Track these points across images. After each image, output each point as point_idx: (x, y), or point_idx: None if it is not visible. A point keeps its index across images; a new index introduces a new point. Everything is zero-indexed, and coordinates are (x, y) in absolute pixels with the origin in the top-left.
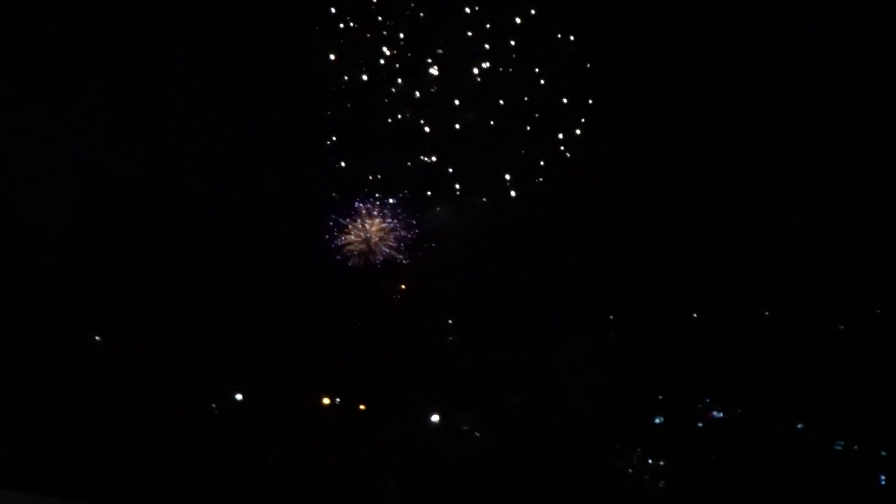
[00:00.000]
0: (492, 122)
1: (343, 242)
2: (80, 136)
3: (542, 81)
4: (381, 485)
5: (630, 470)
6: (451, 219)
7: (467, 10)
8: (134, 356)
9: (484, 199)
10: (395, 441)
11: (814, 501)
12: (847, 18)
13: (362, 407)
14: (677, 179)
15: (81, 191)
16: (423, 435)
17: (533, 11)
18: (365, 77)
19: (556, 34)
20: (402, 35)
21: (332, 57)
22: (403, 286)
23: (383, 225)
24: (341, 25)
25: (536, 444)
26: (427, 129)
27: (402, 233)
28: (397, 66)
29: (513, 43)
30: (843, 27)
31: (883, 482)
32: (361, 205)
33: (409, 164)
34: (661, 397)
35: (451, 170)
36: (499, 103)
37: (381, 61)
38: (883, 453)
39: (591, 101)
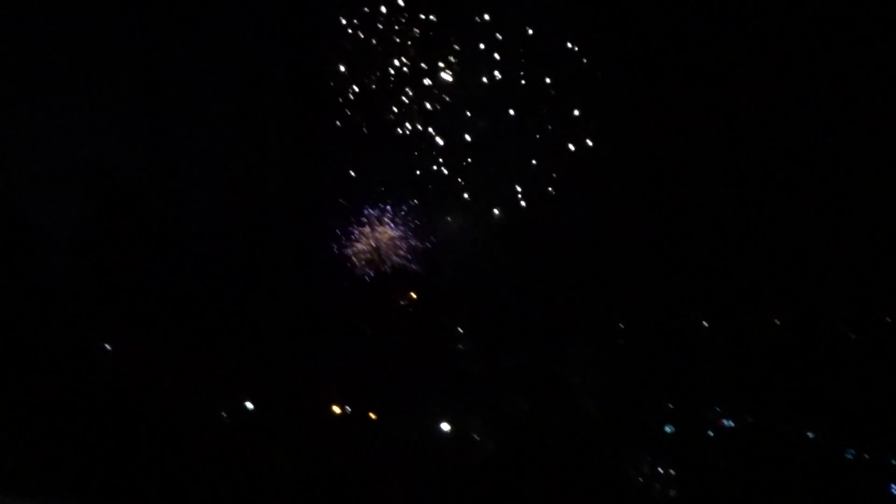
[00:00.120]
0: (503, 131)
1: (353, 250)
2: (86, 139)
3: (554, 91)
4: (391, 492)
5: (640, 479)
6: (461, 227)
7: (478, 19)
8: (142, 363)
9: (494, 208)
10: (405, 448)
11: None
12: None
13: (372, 415)
14: (689, 186)
15: (87, 194)
16: (432, 442)
17: (544, 21)
18: (374, 85)
19: (568, 43)
20: (412, 44)
21: (342, 64)
22: (413, 294)
23: (393, 233)
24: (350, 32)
25: (546, 451)
26: (437, 138)
27: (412, 241)
28: (407, 74)
29: (524, 52)
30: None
31: (894, 490)
32: (371, 212)
33: (419, 172)
34: (671, 405)
35: (460, 178)
36: (509, 112)
37: (392, 69)
38: (894, 462)
39: (602, 110)
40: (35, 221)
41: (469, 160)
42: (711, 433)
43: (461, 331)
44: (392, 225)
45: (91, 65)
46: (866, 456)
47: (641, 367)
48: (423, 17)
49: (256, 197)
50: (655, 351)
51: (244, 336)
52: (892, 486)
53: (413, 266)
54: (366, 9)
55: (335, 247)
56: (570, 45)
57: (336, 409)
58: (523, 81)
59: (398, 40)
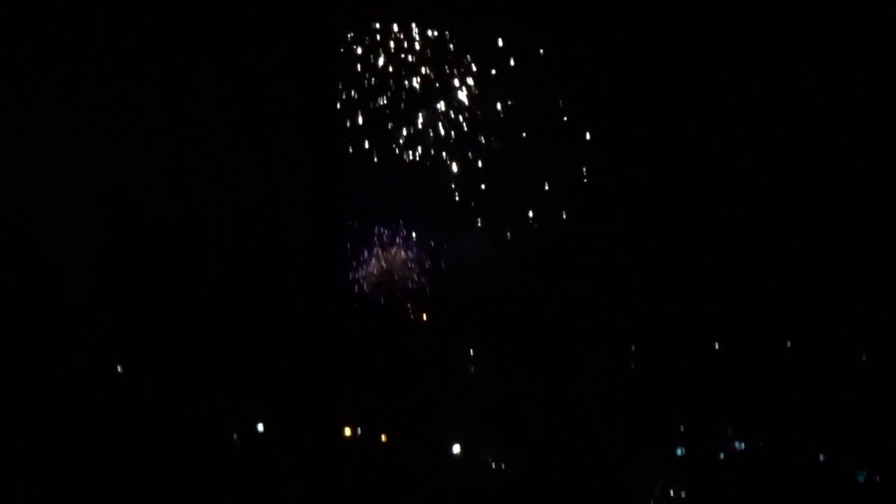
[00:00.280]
0: (515, 154)
1: (364, 273)
2: (103, 159)
3: (567, 114)
4: None
5: (651, 501)
6: (473, 250)
7: (491, 42)
8: (153, 384)
9: (506, 231)
10: (415, 471)
11: None
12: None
13: (383, 437)
14: (702, 210)
15: (102, 213)
16: (442, 465)
17: (557, 43)
18: (387, 108)
19: (582, 66)
20: (424, 67)
21: (355, 86)
22: (424, 316)
23: (405, 255)
24: (363, 55)
25: (557, 473)
26: (449, 160)
27: (424, 264)
28: (420, 97)
29: (537, 75)
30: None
31: None
32: (383, 235)
33: (431, 195)
34: (682, 427)
35: (473, 201)
36: (522, 135)
37: (403, 93)
38: None
39: (616, 134)
40: (50, 238)
41: (481, 183)
42: (723, 455)
43: (472, 353)
44: (404, 248)
45: (108, 84)
46: (878, 479)
47: (653, 389)
48: (435, 40)
49: (270, 219)
50: (667, 373)
51: (255, 357)
52: None
53: (424, 289)
54: (378, 31)
55: (347, 269)
56: (583, 67)
57: (346, 432)
58: (536, 104)
59: (411, 63)
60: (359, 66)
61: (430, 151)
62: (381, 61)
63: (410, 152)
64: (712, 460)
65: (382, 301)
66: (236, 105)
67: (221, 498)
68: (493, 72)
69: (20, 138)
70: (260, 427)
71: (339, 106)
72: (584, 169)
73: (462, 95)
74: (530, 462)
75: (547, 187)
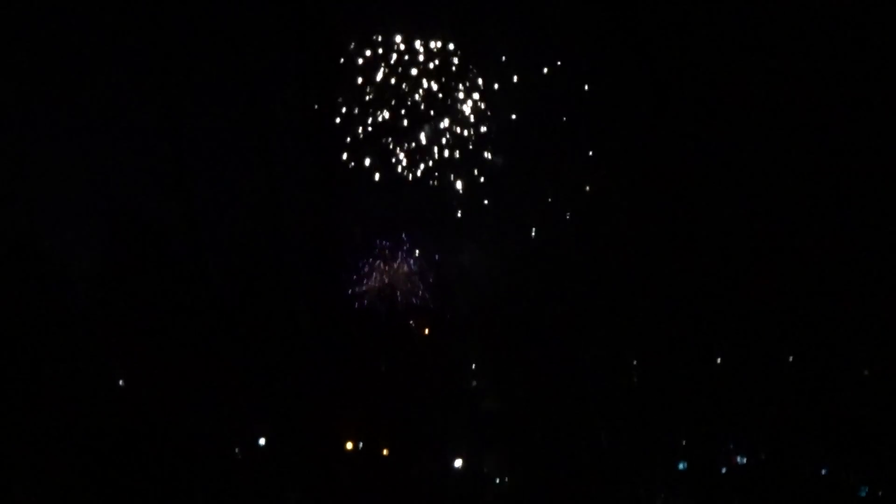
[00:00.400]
0: (518, 168)
1: (368, 286)
2: (109, 177)
3: (569, 130)
4: None
5: None
6: (475, 263)
7: (495, 59)
8: (158, 398)
9: (509, 245)
10: (417, 485)
11: None
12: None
13: (384, 451)
14: (704, 224)
15: (110, 232)
16: (444, 478)
17: (561, 61)
18: (391, 122)
19: (585, 84)
20: (428, 83)
21: (359, 103)
22: (427, 329)
23: (407, 269)
24: (369, 73)
25: (559, 487)
26: (452, 175)
27: (426, 277)
28: (424, 112)
29: (540, 91)
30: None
31: None
32: (386, 249)
33: (433, 209)
34: (684, 442)
35: (475, 215)
36: (523, 148)
37: (407, 109)
38: None
39: (618, 150)
40: (53, 244)
41: (484, 197)
42: (724, 469)
43: (474, 367)
44: (406, 261)
45: (112, 95)
46: (880, 493)
47: (655, 403)
48: (439, 57)
49: (274, 234)
50: (669, 388)
51: (257, 371)
52: None
53: (427, 302)
54: (382, 48)
55: (350, 283)
56: (586, 85)
57: (348, 446)
58: (539, 120)
59: (415, 80)
60: (360, 79)
61: (433, 165)
62: (384, 74)
63: (414, 166)
64: (714, 474)
65: (384, 314)
66: (240, 116)
67: None
68: (497, 86)
69: (23, 145)
70: (262, 441)
71: (342, 119)
72: (587, 185)
73: (466, 109)
74: (532, 476)
75: (549, 200)
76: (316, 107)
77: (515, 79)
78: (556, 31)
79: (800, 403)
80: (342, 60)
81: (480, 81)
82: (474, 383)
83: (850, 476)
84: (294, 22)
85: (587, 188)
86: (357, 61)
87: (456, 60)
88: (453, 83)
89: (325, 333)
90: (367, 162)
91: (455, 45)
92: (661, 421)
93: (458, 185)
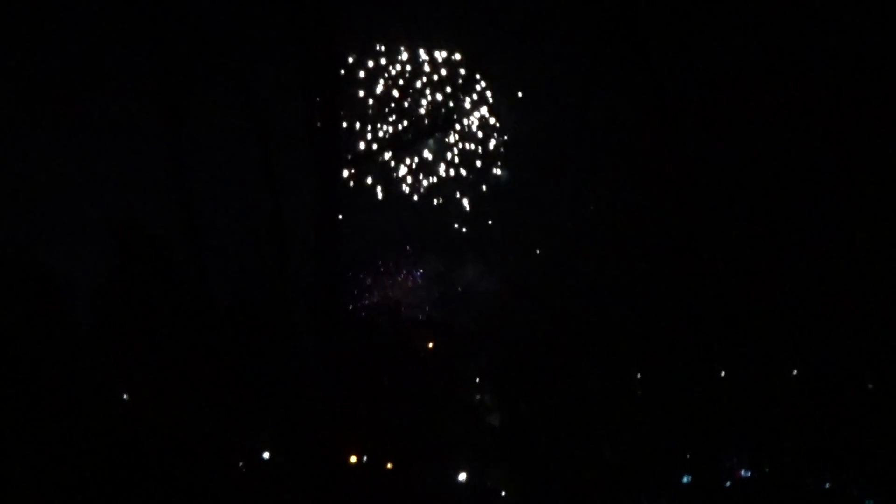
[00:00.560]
0: (522, 185)
1: (372, 301)
2: (113, 191)
3: (573, 148)
4: None
5: None
6: (479, 278)
7: (498, 75)
8: (161, 412)
9: (512, 260)
10: (420, 498)
11: None
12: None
13: (389, 465)
14: (707, 240)
15: (113, 246)
16: (448, 492)
17: (565, 78)
18: (395, 138)
19: (589, 100)
20: (432, 98)
21: (363, 118)
22: (430, 344)
23: (411, 284)
24: (372, 87)
25: (563, 501)
26: (456, 191)
27: (430, 292)
28: (427, 128)
29: (544, 108)
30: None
31: None
32: (390, 264)
33: (437, 224)
34: (688, 455)
35: (478, 230)
36: (527, 163)
37: (411, 125)
38: None
39: (622, 168)
40: (65, 275)
41: (487, 213)
42: (729, 483)
43: (478, 381)
44: (410, 276)
45: (123, 121)
46: None
47: (659, 416)
48: (443, 72)
49: (277, 249)
50: (672, 400)
51: (261, 384)
52: None
53: (431, 317)
54: (384, 60)
55: (355, 298)
56: (590, 101)
57: (352, 459)
58: (543, 137)
59: (419, 96)
60: (368, 99)
61: (434, 181)
62: (389, 92)
63: (417, 182)
64: (718, 488)
65: (389, 329)
66: (243, 135)
67: None
68: (502, 102)
69: (26, 157)
70: (266, 454)
71: (345, 132)
72: (591, 202)
73: (469, 128)
74: (536, 489)
75: (553, 217)
76: (319, 122)
77: (523, 92)
78: (564, 43)
79: (804, 417)
80: (343, 72)
81: (484, 99)
82: (478, 397)
83: (854, 490)
84: (296, 31)
85: (591, 205)
86: (359, 73)
87: (463, 71)
88: (460, 95)
89: (329, 347)
90: (370, 180)
91: (462, 55)
92: (664, 434)
93: (462, 199)
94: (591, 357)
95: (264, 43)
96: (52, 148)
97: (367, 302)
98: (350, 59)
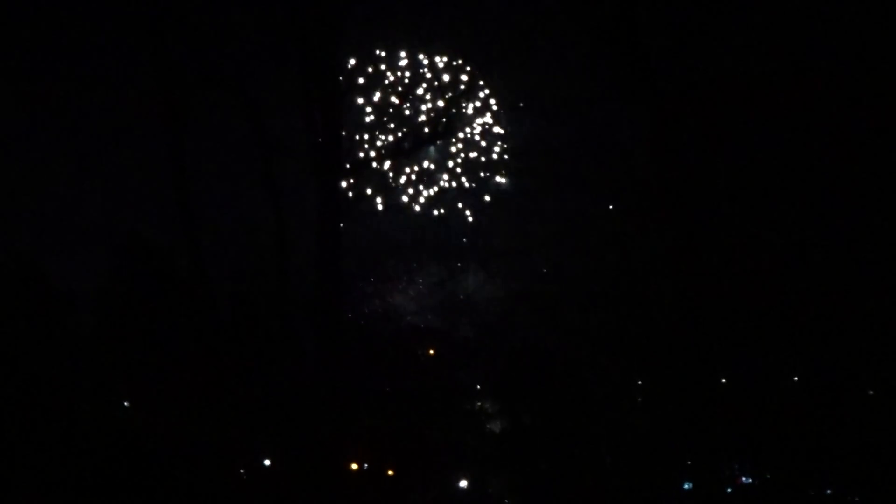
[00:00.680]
0: (523, 193)
1: (373, 309)
2: (114, 199)
3: (574, 156)
4: None
5: None
6: (480, 286)
7: (499, 83)
8: (163, 421)
9: (514, 267)
10: None
11: None
12: None
13: (390, 472)
14: (707, 246)
15: (115, 258)
16: (449, 499)
17: (567, 86)
18: (396, 146)
19: (584, 103)
20: (433, 107)
21: (365, 128)
22: (432, 351)
23: (412, 292)
24: (373, 96)
25: None
26: (458, 201)
27: (431, 300)
28: (428, 137)
29: (546, 117)
30: None
31: None
32: (391, 272)
33: (438, 232)
34: (689, 462)
35: (480, 239)
36: (528, 170)
37: (410, 134)
38: None
39: (624, 177)
40: (66, 285)
41: (488, 221)
42: (730, 489)
43: (479, 388)
44: (411, 284)
45: (123, 134)
46: None
47: (660, 423)
48: (443, 80)
49: (278, 256)
50: (674, 407)
51: (262, 391)
52: None
53: (432, 325)
54: (384, 68)
55: (356, 306)
56: (592, 109)
57: (353, 465)
58: (544, 145)
59: (419, 102)
60: (369, 107)
61: (435, 189)
62: (389, 100)
63: (418, 190)
64: (719, 494)
65: (390, 337)
66: (244, 145)
67: None
68: (502, 110)
69: (28, 169)
70: (267, 462)
71: (347, 146)
72: (591, 209)
73: (469, 137)
74: (537, 496)
75: (554, 225)
76: (320, 130)
77: (521, 103)
78: (566, 48)
79: (805, 423)
80: (342, 78)
81: (485, 107)
82: (479, 404)
83: (855, 496)
84: (297, 39)
85: (592, 214)
86: (358, 79)
87: (465, 77)
88: (462, 102)
89: (330, 354)
90: (370, 189)
91: (464, 61)
92: (666, 441)
93: (463, 208)
94: (592, 364)
95: (265, 51)
96: (54, 156)
97: (367, 309)
98: (350, 62)
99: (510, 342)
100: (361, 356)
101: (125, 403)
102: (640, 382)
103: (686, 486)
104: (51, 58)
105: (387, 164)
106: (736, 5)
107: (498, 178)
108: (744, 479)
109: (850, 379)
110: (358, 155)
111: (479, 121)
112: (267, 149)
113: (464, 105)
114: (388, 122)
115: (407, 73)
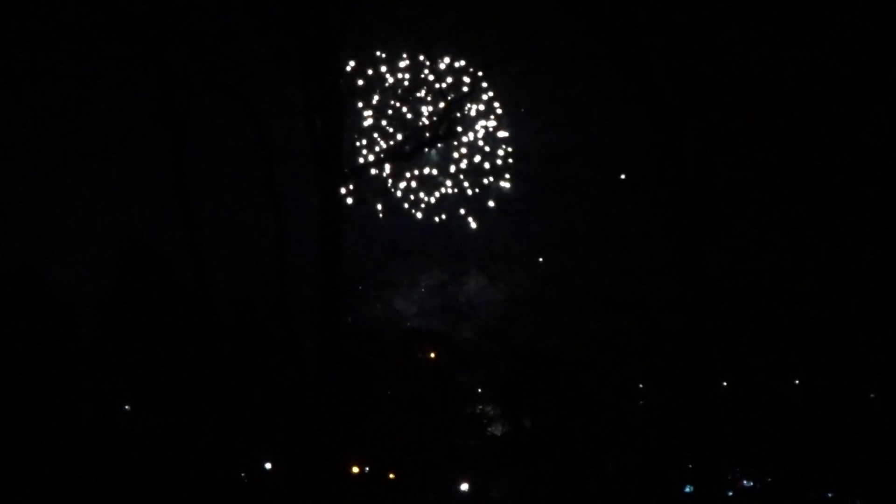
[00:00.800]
0: (525, 197)
1: (374, 313)
2: (115, 208)
3: (576, 161)
4: None
5: None
6: (482, 289)
7: (502, 88)
8: (164, 425)
9: (516, 271)
10: None
11: None
12: None
13: (391, 475)
14: (708, 252)
15: (116, 262)
16: (451, 502)
17: (568, 91)
18: (397, 151)
19: (587, 107)
20: (432, 107)
21: (366, 134)
22: (433, 354)
23: (413, 296)
24: (374, 101)
25: None
26: (460, 206)
27: (432, 304)
28: (429, 142)
29: (548, 121)
30: None
31: None
32: (391, 276)
33: (439, 236)
34: (691, 466)
35: (481, 242)
36: (529, 173)
37: (413, 137)
38: None
39: (625, 182)
40: (68, 290)
41: (489, 225)
42: (731, 493)
43: (481, 391)
44: (413, 288)
45: (125, 138)
46: None
47: (661, 427)
48: (445, 82)
49: (280, 261)
50: (675, 412)
51: (263, 396)
52: None
53: (433, 328)
54: (387, 73)
55: (357, 310)
56: (593, 114)
57: (354, 469)
58: (544, 143)
59: (421, 107)
60: (362, 103)
61: (436, 195)
62: (391, 104)
63: (419, 195)
64: (721, 498)
65: (391, 340)
66: (244, 144)
67: None
68: (505, 114)
69: (28, 173)
70: (268, 465)
71: (348, 152)
72: (594, 213)
73: (471, 142)
74: (539, 500)
75: (556, 229)
76: (320, 135)
77: (522, 109)
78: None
79: (806, 427)
80: (343, 81)
81: (487, 112)
82: (480, 407)
83: (857, 500)
84: (298, 44)
85: (594, 218)
86: (357, 82)
87: (467, 79)
88: (464, 104)
89: (332, 358)
90: (371, 194)
91: (466, 63)
92: (667, 444)
93: (464, 212)
94: (594, 368)
95: (266, 55)
96: (54, 160)
97: (368, 313)
98: (350, 65)
99: (512, 346)
100: (362, 360)
101: (126, 407)
102: (641, 386)
103: (687, 490)
104: (51, 62)
105: (387, 168)
106: (736, 5)
107: (501, 183)
108: (745, 482)
109: (852, 382)
110: (358, 159)
111: (482, 124)
112: (268, 153)
113: (466, 108)
114: (389, 125)
115: (408, 76)
